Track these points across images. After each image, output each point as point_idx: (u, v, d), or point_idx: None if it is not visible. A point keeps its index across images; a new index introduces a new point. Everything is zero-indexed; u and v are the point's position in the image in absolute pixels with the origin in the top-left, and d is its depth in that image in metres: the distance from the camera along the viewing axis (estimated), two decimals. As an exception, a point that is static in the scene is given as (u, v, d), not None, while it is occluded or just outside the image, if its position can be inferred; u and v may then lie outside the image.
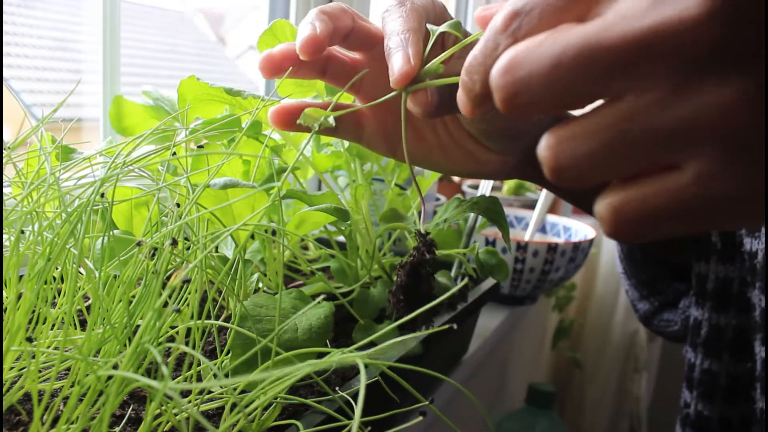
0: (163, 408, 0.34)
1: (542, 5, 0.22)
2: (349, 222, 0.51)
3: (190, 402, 0.36)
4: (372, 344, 0.36)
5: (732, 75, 0.19)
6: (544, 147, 0.22)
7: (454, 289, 0.31)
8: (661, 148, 0.20)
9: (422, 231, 0.38)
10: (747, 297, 0.55)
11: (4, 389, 0.34)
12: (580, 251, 0.93)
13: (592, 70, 0.20)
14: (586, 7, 0.22)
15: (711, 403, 0.59)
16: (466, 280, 0.42)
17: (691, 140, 0.20)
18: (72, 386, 0.34)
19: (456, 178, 1.41)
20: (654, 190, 0.21)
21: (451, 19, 0.38)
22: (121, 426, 0.36)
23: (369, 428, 0.34)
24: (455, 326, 0.42)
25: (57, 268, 0.37)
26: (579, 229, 1.04)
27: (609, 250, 1.75)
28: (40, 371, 0.37)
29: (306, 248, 0.74)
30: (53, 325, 0.39)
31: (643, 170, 0.21)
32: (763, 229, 0.53)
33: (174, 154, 0.42)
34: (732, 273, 0.57)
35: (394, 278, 0.39)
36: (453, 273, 0.64)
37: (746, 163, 0.20)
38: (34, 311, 0.37)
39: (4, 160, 0.40)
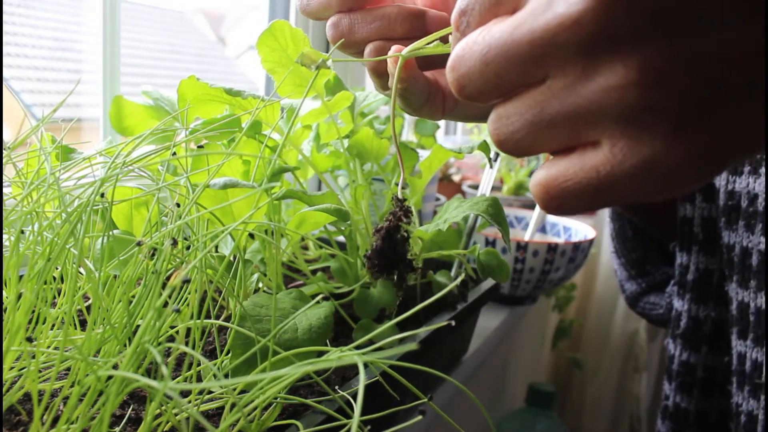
0: (163, 408, 0.34)
1: (480, 3, 0.25)
2: (349, 222, 0.51)
3: (190, 402, 0.36)
4: (372, 343, 0.36)
5: (618, 59, 0.21)
6: (488, 123, 0.26)
7: (451, 286, 0.31)
8: (576, 125, 0.23)
9: (399, 197, 0.39)
10: (725, 290, 0.55)
11: (4, 389, 0.34)
12: (580, 251, 0.93)
13: (512, 62, 0.23)
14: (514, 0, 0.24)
15: (688, 396, 0.59)
16: (462, 276, 0.42)
17: (598, 118, 0.22)
18: (72, 386, 0.34)
19: (456, 178, 1.41)
20: (574, 166, 0.23)
21: None
22: (121, 426, 0.36)
23: (369, 427, 0.34)
24: (453, 323, 0.42)
25: (57, 268, 0.37)
26: (579, 229, 1.04)
27: (609, 250, 1.75)
28: (40, 371, 0.37)
29: (306, 248, 0.74)
30: (53, 325, 0.39)
31: (570, 146, 0.24)
32: (741, 222, 0.52)
33: (174, 154, 0.42)
34: (712, 265, 0.57)
35: (372, 244, 0.40)
36: (453, 273, 0.64)
37: (649, 138, 0.22)
38: (34, 311, 0.37)
39: (4, 160, 0.40)
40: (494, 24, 0.24)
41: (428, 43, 0.35)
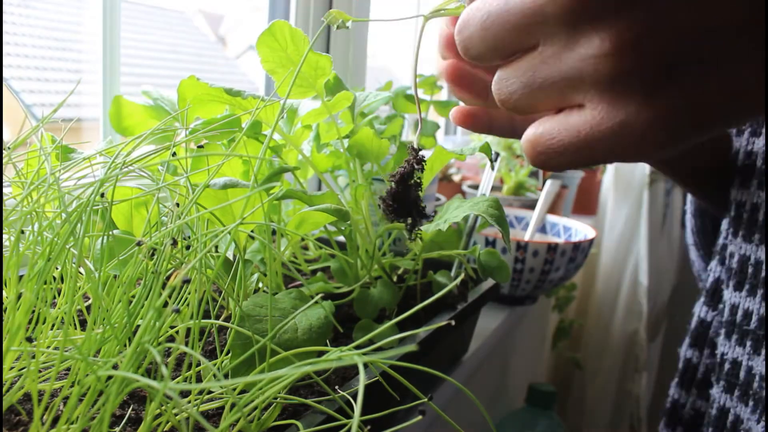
0: (163, 408, 0.34)
1: None
2: (349, 222, 0.51)
3: (189, 402, 0.36)
4: (372, 343, 0.36)
5: (594, 31, 0.24)
6: (492, 84, 0.28)
7: (451, 286, 0.32)
8: (562, 89, 0.25)
9: (415, 146, 0.42)
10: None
11: (4, 389, 0.34)
12: (580, 251, 0.93)
13: (506, 29, 0.26)
14: None
15: (743, 401, 0.57)
16: (462, 276, 0.42)
17: (580, 84, 0.25)
18: (72, 386, 0.34)
19: (456, 178, 1.41)
20: (559, 125, 0.26)
21: None
22: (121, 426, 0.36)
23: (369, 427, 0.34)
24: (453, 323, 0.42)
25: (57, 268, 0.37)
26: (579, 229, 1.04)
27: (609, 250, 1.75)
28: (40, 371, 0.37)
29: (306, 248, 0.74)
30: (53, 325, 0.39)
31: (561, 107, 0.26)
32: (754, 180, 0.53)
33: (174, 154, 0.42)
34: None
35: (387, 187, 0.43)
36: (453, 273, 0.64)
37: (623, 103, 0.24)
38: (33, 311, 0.37)
39: (4, 160, 0.40)
40: None
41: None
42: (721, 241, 0.61)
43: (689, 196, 0.72)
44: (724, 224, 0.60)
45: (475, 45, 0.28)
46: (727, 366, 0.54)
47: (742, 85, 0.23)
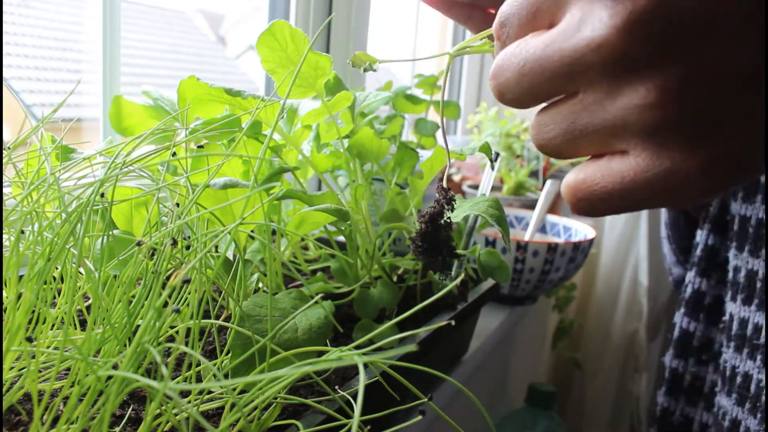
0: (163, 408, 0.34)
1: (516, 17, 0.28)
2: (349, 222, 0.51)
3: (189, 402, 0.36)
4: (372, 343, 0.36)
5: (639, 81, 0.24)
6: (530, 128, 0.28)
7: (451, 286, 0.32)
8: (604, 136, 0.25)
9: (445, 186, 0.42)
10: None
11: (4, 389, 0.34)
12: (580, 251, 0.93)
13: (544, 76, 0.26)
14: (550, 14, 0.27)
15: (740, 405, 0.58)
16: (462, 276, 0.42)
17: (623, 132, 0.25)
18: (72, 386, 0.34)
19: (456, 178, 1.41)
20: (602, 171, 0.26)
21: None
22: (121, 426, 0.36)
23: (369, 427, 0.34)
24: (453, 323, 0.42)
25: (57, 268, 0.37)
26: (579, 229, 1.04)
27: (609, 250, 1.75)
28: (40, 371, 0.37)
29: (306, 248, 0.74)
30: (53, 325, 0.39)
31: (602, 152, 0.26)
32: (742, 246, 0.54)
33: (174, 154, 0.42)
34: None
35: (417, 228, 0.42)
36: (453, 273, 0.64)
37: (668, 152, 0.24)
38: (34, 311, 0.37)
39: (4, 161, 0.40)
40: (530, 38, 0.27)
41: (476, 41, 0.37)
42: (698, 252, 0.62)
43: None
44: (709, 238, 0.60)
45: (512, 91, 0.27)
46: (738, 379, 0.54)
47: None
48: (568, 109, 0.26)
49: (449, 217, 0.42)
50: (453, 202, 0.42)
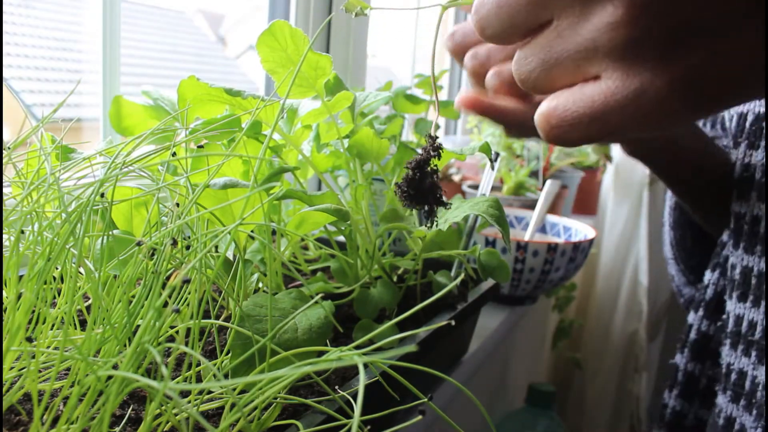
0: (163, 408, 0.34)
1: None
2: (348, 222, 0.51)
3: (189, 402, 0.36)
4: (372, 343, 0.36)
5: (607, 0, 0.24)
6: (512, 65, 0.29)
7: (451, 286, 0.32)
8: (579, 61, 0.26)
9: (432, 135, 0.42)
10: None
11: (4, 389, 0.34)
12: (580, 251, 0.93)
13: (521, 5, 0.27)
14: None
15: (747, 410, 0.58)
16: (462, 276, 0.42)
17: (596, 54, 0.25)
18: (72, 386, 0.34)
19: (456, 178, 1.41)
20: (573, 96, 0.26)
21: None
22: (121, 426, 0.36)
23: (369, 427, 0.34)
24: (453, 323, 0.42)
25: (57, 268, 0.37)
26: (579, 229, 1.04)
27: (609, 250, 1.75)
28: (40, 371, 0.37)
29: (306, 248, 0.74)
30: (53, 325, 0.39)
31: (577, 81, 0.26)
32: (753, 193, 0.53)
33: (174, 154, 0.42)
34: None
35: (403, 175, 0.43)
36: (453, 273, 0.64)
37: (637, 71, 0.24)
38: (33, 311, 0.37)
39: (4, 161, 0.40)
40: None
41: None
42: (722, 252, 0.61)
43: (666, 210, 0.72)
44: (725, 236, 0.60)
45: (492, 24, 0.28)
46: (733, 376, 0.54)
47: (751, 58, 0.23)
48: (544, 38, 0.27)
49: (436, 165, 0.42)
50: (440, 150, 0.42)
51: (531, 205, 1.20)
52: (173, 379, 0.40)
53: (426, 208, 0.43)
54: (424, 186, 0.42)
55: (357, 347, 0.34)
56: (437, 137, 0.43)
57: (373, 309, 0.52)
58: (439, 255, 0.60)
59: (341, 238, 0.70)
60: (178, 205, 0.39)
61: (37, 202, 0.38)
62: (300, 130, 0.59)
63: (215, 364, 0.40)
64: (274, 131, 0.43)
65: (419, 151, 0.43)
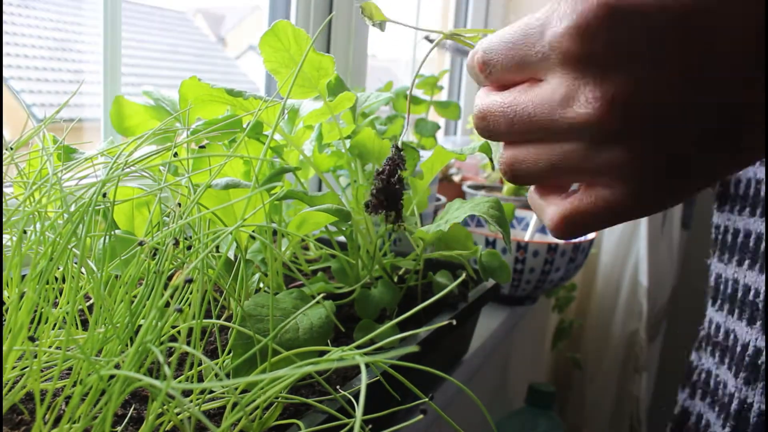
0: (165, 407, 0.34)
1: (501, 62, 0.33)
2: (350, 222, 0.51)
3: (191, 401, 0.36)
4: (373, 343, 0.36)
5: (617, 144, 0.29)
6: (502, 159, 0.34)
7: (451, 287, 0.32)
8: (589, 175, 0.31)
9: (398, 145, 0.47)
10: None
11: (7, 388, 0.34)
12: (580, 251, 0.93)
13: (532, 132, 0.31)
14: (534, 71, 0.32)
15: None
16: (463, 276, 0.43)
17: (604, 174, 0.30)
18: (74, 386, 0.34)
19: (456, 178, 1.41)
20: (586, 199, 0.31)
21: None
22: (123, 425, 0.36)
23: (370, 426, 0.35)
24: (454, 322, 0.42)
25: (59, 268, 0.37)
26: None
27: (609, 250, 1.75)
28: (42, 371, 0.37)
29: (307, 248, 0.74)
30: (55, 325, 0.39)
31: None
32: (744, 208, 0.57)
33: (176, 154, 0.42)
34: None
35: (373, 186, 0.48)
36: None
37: (637, 188, 0.30)
38: (36, 311, 0.37)
39: (6, 161, 0.41)
40: (519, 95, 0.32)
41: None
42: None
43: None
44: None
45: (501, 135, 0.33)
46: (721, 336, 0.56)
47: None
48: (550, 152, 0.31)
49: (401, 175, 0.47)
50: (404, 162, 0.47)
51: (531, 206, 1.20)
52: (175, 378, 0.40)
53: (394, 212, 0.48)
54: (395, 193, 0.47)
55: (358, 347, 0.34)
56: (402, 149, 0.47)
57: (373, 309, 0.52)
58: (440, 255, 0.60)
59: (342, 239, 0.71)
60: (179, 205, 0.39)
61: (40, 202, 0.38)
62: (301, 130, 0.59)
63: (217, 364, 0.40)
64: (275, 131, 0.43)
65: (384, 163, 0.47)
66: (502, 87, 0.33)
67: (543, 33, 0.30)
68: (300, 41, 0.49)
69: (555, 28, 0.29)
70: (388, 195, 0.47)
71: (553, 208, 0.33)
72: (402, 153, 0.47)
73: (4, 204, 0.39)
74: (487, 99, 0.33)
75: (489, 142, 0.54)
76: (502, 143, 0.34)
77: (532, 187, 0.35)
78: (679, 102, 0.28)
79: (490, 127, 0.33)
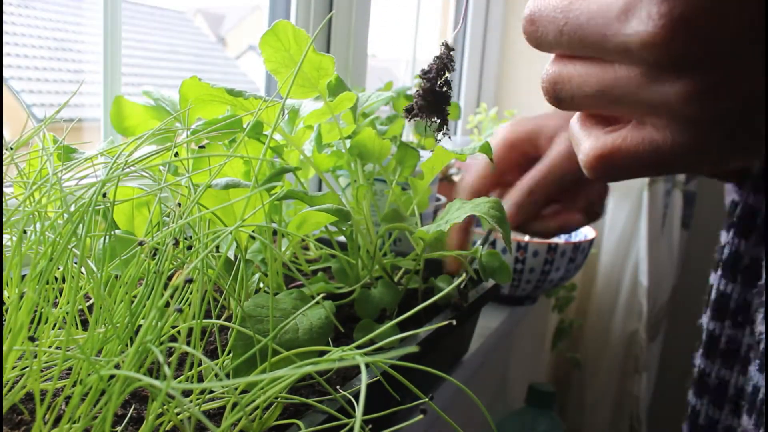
0: (165, 407, 0.34)
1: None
2: (350, 222, 0.51)
3: (191, 401, 0.36)
4: (373, 343, 0.36)
5: (681, 75, 0.25)
6: (549, 75, 0.30)
7: (451, 287, 0.32)
8: (637, 111, 0.27)
9: (449, 44, 0.42)
10: None
11: (7, 388, 0.34)
12: (580, 251, 0.93)
13: (584, 44, 0.27)
14: None
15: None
16: (463, 276, 0.42)
17: (659, 111, 0.26)
18: (74, 386, 0.34)
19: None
20: (632, 137, 0.28)
21: None
22: (122, 425, 0.36)
23: (370, 426, 0.35)
24: (454, 322, 0.42)
25: (59, 268, 0.37)
26: (579, 229, 1.04)
27: (609, 251, 1.75)
28: (42, 371, 0.37)
29: (307, 248, 0.74)
30: (55, 325, 0.39)
31: (625, 120, 0.29)
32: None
33: (176, 154, 0.42)
34: None
35: (418, 88, 0.43)
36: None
37: (696, 135, 0.26)
38: (36, 311, 0.37)
39: (6, 161, 0.41)
40: None
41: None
42: (738, 212, 0.62)
43: None
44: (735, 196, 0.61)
45: (548, 43, 0.29)
46: (762, 346, 0.55)
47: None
48: (601, 74, 0.27)
49: (450, 75, 0.43)
50: (453, 61, 0.42)
51: (531, 206, 1.20)
52: (175, 378, 0.40)
53: (439, 119, 0.43)
54: (440, 95, 0.42)
55: (358, 347, 0.34)
56: (453, 48, 0.42)
57: (373, 309, 0.52)
58: (441, 255, 0.60)
59: (342, 238, 0.71)
60: (179, 205, 0.39)
61: (40, 202, 0.38)
62: (302, 130, 0.59)
63: (217, 364, 0.40)
64: (274, 131, 0.43)
65: (432, 60, 0.42)
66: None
67: None
68: (300, 41, 0.49)
69: None
70: (434, 98, 0.41)
71: (592, 141, 0.29)
72: (452, 53, 0.42)
73: (4, 204, 0.39)
74: (540, 1, 0.29)
75: (488, 142, 0.55)
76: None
77: (575, 115, 0.31)
78: (760, 37, 0.23)
79: (537, 34, 0.29)
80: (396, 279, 0.62)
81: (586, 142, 0.29)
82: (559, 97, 0.29)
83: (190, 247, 0.40)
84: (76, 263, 0.35)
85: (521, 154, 0.65)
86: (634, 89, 0.26)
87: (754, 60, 0.24)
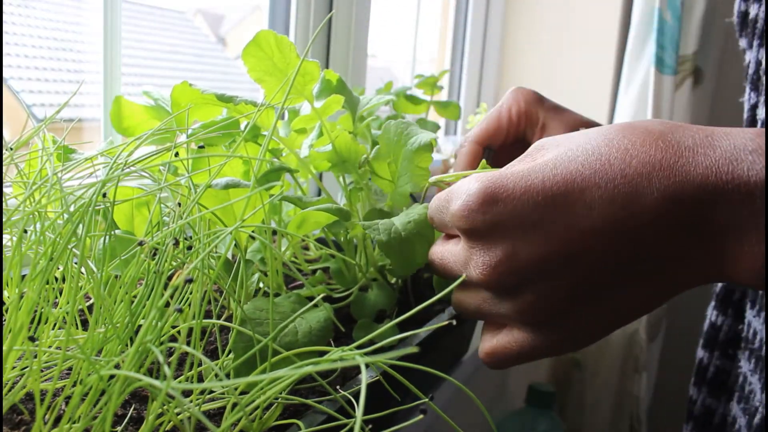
0: (165, 407, 0.34)
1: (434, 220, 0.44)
2: (346, 223, 0.51)
3: (191, 402, 0.36)
4: (373, 343, 0.36)
5: (516, 295, 0.37)
6: (455, 297, 0.43)
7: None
8: (500, 318, 0.39)
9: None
10: None
11: (7, 388, 0.34)
12: (579, 251, 0.93)
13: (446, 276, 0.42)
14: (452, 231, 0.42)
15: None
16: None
17: (508, 320, 0.38)
18: (74, 385, 0.34)
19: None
20: (506, 339, 0.39)
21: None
22: (122, 425, 0.36)
23: (370, 426, 0.35)
24: (454, 322, 0.42)
25: (59, 268, 0.38)
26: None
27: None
28: (42, 371, 0.37)
29: (307, 248, 0.74)
30: (55, 325, 0.39)
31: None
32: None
33: (176, 154, 0.42)
34: None
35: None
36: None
37: (543, 335, 0.37)
38: (36, 311, 0.37)
39: (6, 161, 0.41)
40: (451, 245, 0.41)
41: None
42: None
43: None
44: None
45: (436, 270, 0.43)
46: (757, 343, 0.58)
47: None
48: (473, 296, 0.39)
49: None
50: None
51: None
52: (175, 378, 0.40)
53: None
54: None
55: (358, 347, 0.34)
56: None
57: (369, 311, 0.52)
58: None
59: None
60: (179, 205, 0.39)
61: (39, 202, 0.38)
62: (294, 134, 0.59)
63: (217, 364, 0.40)
64: (272, 134, 0.43)
65: None
66: (448, 236, 0.42)
67: (448, 207, 0.37)
68: (283, 49, 0.49)
69: (453, 205, 0.36)
70: None
71: (485, 342, 0.40)
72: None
73: (4, 204, 0.39)
74: (435, 246, 0.43)
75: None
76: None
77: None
78: (553, 259, 0.34)
79: (438, 272, 0.42)
80: (392, 280, 0.63)
81: (483, 341, 0.40)
82: (459, 312, 0.42)
83: (190, 247, 0.40)
84: (76, 263, 0.35)
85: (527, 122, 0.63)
86: (491, 307, 0.38)
87: (552, 278, 0.34)
